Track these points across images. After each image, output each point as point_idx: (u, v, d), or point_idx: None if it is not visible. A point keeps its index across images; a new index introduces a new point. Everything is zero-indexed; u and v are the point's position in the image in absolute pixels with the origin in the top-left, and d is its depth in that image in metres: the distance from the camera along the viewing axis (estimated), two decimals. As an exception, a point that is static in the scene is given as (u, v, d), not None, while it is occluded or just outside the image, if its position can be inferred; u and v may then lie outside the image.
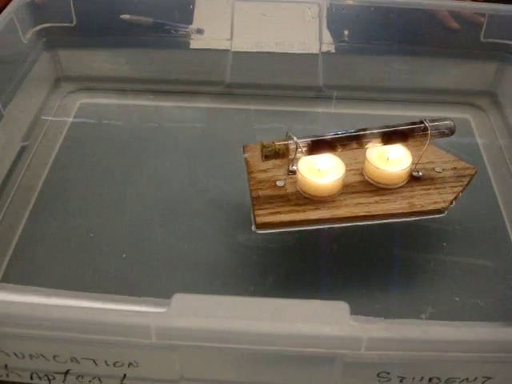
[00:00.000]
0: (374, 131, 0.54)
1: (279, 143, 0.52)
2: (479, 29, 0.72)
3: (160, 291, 0.54)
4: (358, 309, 0.52)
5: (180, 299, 0.41)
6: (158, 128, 0.74)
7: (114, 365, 0.44)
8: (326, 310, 0.41)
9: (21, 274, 0.57)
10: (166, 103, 0.78)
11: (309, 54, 0.74)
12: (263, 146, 0.52)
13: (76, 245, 0.59)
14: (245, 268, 0.58)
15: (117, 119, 0.76)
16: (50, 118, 0.74)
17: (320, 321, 0.40)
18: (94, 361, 0.44)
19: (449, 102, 0.77)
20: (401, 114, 0.76)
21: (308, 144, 0.53)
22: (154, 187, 0.66)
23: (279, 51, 0.74)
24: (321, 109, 0.77)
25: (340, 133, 0.54)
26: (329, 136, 0.54)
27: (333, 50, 0.75)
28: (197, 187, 0.66)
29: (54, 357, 0.43)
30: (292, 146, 0.52)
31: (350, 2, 0.73)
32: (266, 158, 0.52)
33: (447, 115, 0.73)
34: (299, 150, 0.52)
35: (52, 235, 0.61)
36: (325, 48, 0.75)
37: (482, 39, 0.72)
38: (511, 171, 0.67)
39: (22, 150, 0.69)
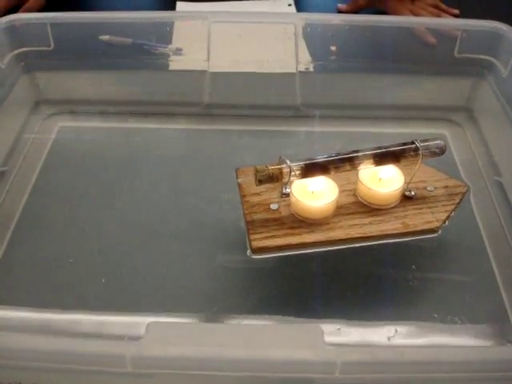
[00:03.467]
0: (367, 153, 0.54)
1: (273, 167, 0.52)
2: (454, 44, 0.73)
3: (139, 315, 0.54)
4: (336, 329, 0.53)
5: (154, 328, 0.41)
6: (138, 150, 0.73)
7: (92, 391, 0.44)
8: (299, 335, 0.41)
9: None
10: (146, 125, 0.77)
11: (286, 73, 0.74)
12: (257, 171, 0.52)
13: (55, 271, 0.58)
14: (224, 290, 0.57)
15: (96, 142, 0.75)
16: (29, 143, 0.73)
17: (294, 346, 0.40)
18: (72, 388, 0.44)
19: (426, 117, 0.77)
20: (379, 131, 0.76)
21: (301, 167, 0.52)
22: (134, 210, 0.65)
23: (257, 71, 0.74)
24: (299, 128, 0.76)
25: (333, 155, 0.54)
26: (322, 159, 0.53)
27: (311, 69, 0.75)
28: (177, 209, 0.65)
29: (32, 385, 0.43)
30: (285, 170, 0.52)
31: (326, 22, 0.73)
32: (260, 182, 0.52)
33: (424, 131, 0.75)
34: (293, 173, 0.52)
35: (31, 261, 0.59)
36: (302, 67, 0.74)
37: (456, 55, 0.73)
38: (488, 186, 0.67)
39: (1, 175, 0.68)
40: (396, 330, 0.53)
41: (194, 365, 0.40)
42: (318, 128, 0.77)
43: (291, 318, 0.54)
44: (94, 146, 0.75)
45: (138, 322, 0.53)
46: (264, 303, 0.56)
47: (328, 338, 0.40)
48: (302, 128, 0.77)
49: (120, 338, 0.52)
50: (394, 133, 0.75)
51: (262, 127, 0.77)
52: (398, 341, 0.52)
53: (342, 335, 0.53)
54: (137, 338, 0.41)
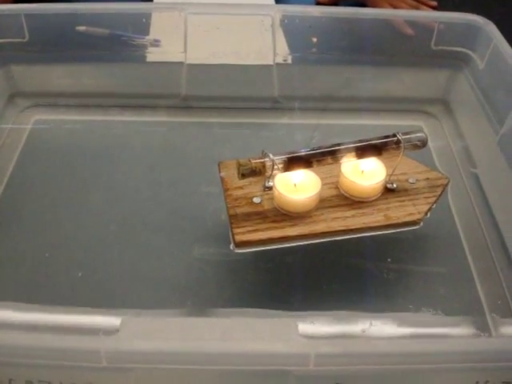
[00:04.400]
0: (349, 146, 0.54)
1: (255, 161, 0.52)
2: (431, 36, 0.73)
3: (115, 310, 0.54)
4: (311, 321, 0.53)
5: (129, 322, 0.41)
6: (116, 143, 0.72)
7: (71, 386, 0.44)
8: (274, 328, 0.41)
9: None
10: (123, 117, 0.76)
11: (264, 65, 0.74)
12: (240, 165, 0.51)
13: (31, 265, 0.58)
14: (202, 283, 0.57)
15: (73, 135, 0.73)
16: (4, 136, 0.72)
17: (269, 339, 0.41)
18: (50, 383, 0.43)
19: (402, 109, 0.78)
20: (356, 123, 0.76)
21: (284, 161, 0.52)
22: (111, 203, 0.64)
23: (234, 63, 0.73)
24: (277, 120, 0.76)
25: (315, 149, 0.54)
26: (304, 152, 0.53)
27: (288, 61, 0.75)
28: (154, 201, 0.64)
29: (10, 380, 0.43)
30: (268, 164, 0.52)
31: (304, 14, 0.73)
32: (243, 176, 0.52)
33: (401, 123, 0.75)
34: (275, 167, 0.52)
35: (6, 255, 0.59)
36: (280, 59, 0.74)
37: (433, 47, 0.73)
38: (464, 178, 0.68)
39: (-25, 168, 0.66)
40: (371, 323, 0.53)
41: (170, 359, 0.40)
42: (295, 120, 0.77)
43: (267, 311, 0.54)
44: (71, 138, 0.74)
45: (114, 316, 0.53)
46: (241, 296, 0.56)
47: (303, 331, 0.41)
48: (279, 120, 0.77)
49: (95, 332, 0.52)
50: (371, 125, 0.76)
51: (239, 119, 0.76)
52: (373, 333, 0.53)
53: (316, 328, 0.53)
54: (112, 333, 0.41)
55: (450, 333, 0.54)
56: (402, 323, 0.54)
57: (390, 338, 0.52)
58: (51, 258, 0.59)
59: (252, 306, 0.55)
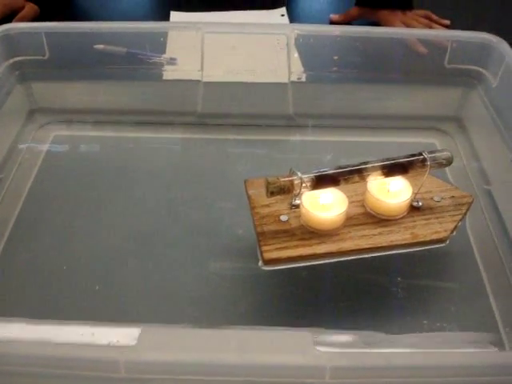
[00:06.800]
0: (375, 164, 0.54)
1: (284, 179, 0.51)
2: (444, 55, 0.73)
3: (132, 321, 0.54)
4: (326, 336, 0.54)
5: (148, 333, 0.42)
6: (132, 159, 0.73)
7: (90, 395, 0.44)
8: (290, 340, 0.41)
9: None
10: (140, 134, 0.76)
11: (279, 83, 0.74)
12: (268, 183, 0.51)
13: (49, 278, 0.59)
14: (217, 297, 0.57)
15: (91, 151, 0.74)
16: (23, 151, 0.73)
17: (285, 351, 0.41)
18: (69, 392, 0.44)
19: (416, 127, 0.78)
20: (370, 141, 0.76)
21: (312, 179, 0.52)
22: (128, 218, 0.65)
23: (249, 81, 0.74)
24: (292, 137, 0.77)
25: (343, 167, 0.54)
26: (331, 171, 0.53)
27: (303, 79, 0.76)
28: (171, 217, 0.65)
29: (27, 391, 0.44)
30: (297, 182, 0.52)
31: (318, 33, 0.75)
32: (272, 194, 0.51)
33: (414, 140, 0.75)
34: (304, 185, 0.52)
35: (25, 268, 0.60)
36: (294, 77, 0.74)
37: (447, 65, 0.73)
38: (478, 194, 0.68)
39: (-4, 183, 0.66)
40: (379, 338, 0.53)
41: (187, 370, 0.40)
42: (310, 137, 0.77)
43: (279, 325, 0.53)
44: (89, 154, 0.74)
45: (131, 327, 0.53)
46: (256, 311, 0.56)
47: (318, 344, 0.41)
48: (294, 137, 0.77)
49: (113, 344, 0.53)
50: (384, 142, 0.76)
51: (254, 136, 0.77)
52: (387, 348, 0.53)
53: (331, 342, 0.53)
54: (130, 344, 0.41)
55: (465, 348, 0.54)
56: (416, 338, 0.54)
57: (404, 353, 0.52)
58: (69, 272, 0.59)
59: (266, 321, 0.55)
